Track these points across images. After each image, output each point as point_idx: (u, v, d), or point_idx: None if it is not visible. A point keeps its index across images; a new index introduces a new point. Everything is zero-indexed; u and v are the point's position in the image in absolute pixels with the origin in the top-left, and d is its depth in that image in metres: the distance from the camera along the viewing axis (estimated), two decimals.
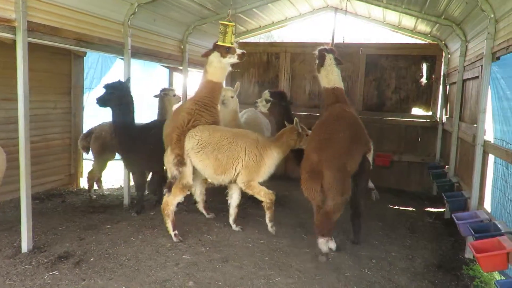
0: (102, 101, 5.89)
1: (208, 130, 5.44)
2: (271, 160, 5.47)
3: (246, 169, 5.36)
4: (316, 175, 4.80)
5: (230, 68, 5.74)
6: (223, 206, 6.54)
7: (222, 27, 6.02)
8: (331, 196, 4.73)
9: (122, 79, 6.64)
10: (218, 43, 5.91)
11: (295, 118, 5.58)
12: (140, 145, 6.10)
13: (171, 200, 5.32)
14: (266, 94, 6.61)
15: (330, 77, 5.50)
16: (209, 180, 5.76)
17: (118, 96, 5.91)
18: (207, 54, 5.61)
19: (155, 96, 7.46)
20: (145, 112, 8.99)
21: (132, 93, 6.17)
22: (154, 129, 6.11)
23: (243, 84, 9.69)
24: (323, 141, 4.93)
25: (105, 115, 8.39)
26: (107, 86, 5.92)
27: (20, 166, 4.69)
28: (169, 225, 5.31)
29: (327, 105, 5.56)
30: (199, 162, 5.36)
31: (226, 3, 7.09)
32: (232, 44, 5.96)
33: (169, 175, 5.42)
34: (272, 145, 5.50)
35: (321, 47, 5.67)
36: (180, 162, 5.27)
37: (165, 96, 7.38)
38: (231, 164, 5.33)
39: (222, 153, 5.29)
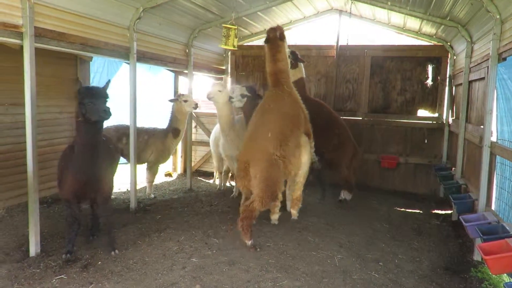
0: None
1: None
2: None
3: None
4: None
5: None
6: (229, 210, 6.56)
7: (225, 30, 6.05)
8: None
9: (128, 84, 6.67)
10: (221, 45, 6.07)
11: None
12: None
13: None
14: (242, 89, 6.57)
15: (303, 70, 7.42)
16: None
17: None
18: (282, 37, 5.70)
19: (170, 101, 7.55)
20: (151, 116, 9.07)
21: None
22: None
23: None
24: None
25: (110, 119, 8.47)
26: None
27: (27, 171, 4.72)
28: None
29: (303, 90, 7.17)
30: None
31: (231, 6, 7.11)
32: (234, 47, 6.17)
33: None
34: None
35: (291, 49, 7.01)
36: None
37: (175, 101, 7.44)
38: None
39: None
